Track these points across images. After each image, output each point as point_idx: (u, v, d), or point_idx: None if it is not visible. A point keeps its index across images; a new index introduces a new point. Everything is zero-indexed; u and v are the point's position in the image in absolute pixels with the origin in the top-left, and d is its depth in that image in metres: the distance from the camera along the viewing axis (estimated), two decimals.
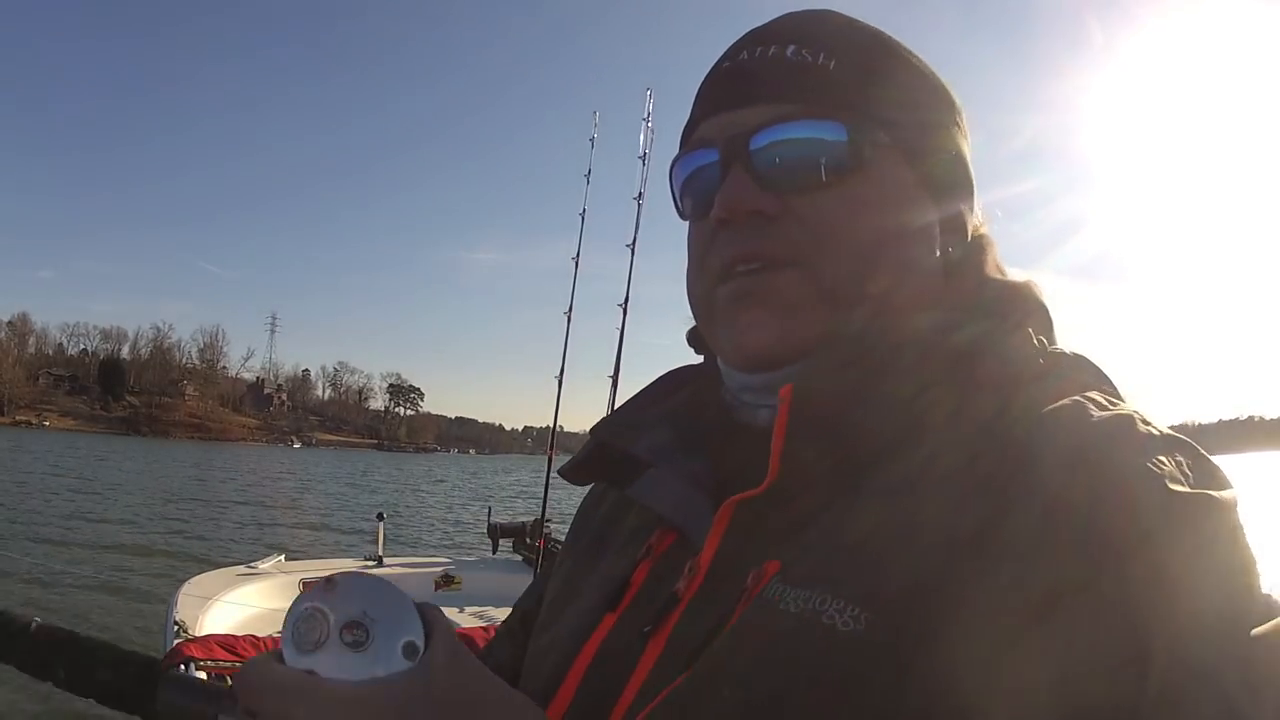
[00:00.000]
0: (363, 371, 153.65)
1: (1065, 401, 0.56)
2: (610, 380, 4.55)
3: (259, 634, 3.38)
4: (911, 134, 0.65)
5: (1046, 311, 0.66)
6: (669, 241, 0.86)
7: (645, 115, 4.57)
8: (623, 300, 4.68)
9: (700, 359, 0.77)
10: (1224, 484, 0.52)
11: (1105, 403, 0.57)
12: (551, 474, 4.73)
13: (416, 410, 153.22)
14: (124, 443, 77.18)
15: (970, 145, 0.71)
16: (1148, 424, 0.55)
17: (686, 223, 0.70)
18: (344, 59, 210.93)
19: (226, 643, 3.26)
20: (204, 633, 3.44)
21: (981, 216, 0.72)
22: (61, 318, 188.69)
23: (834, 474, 0.57)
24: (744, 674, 0.52)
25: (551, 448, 4.83)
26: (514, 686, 0.55)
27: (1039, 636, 0.46)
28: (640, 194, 4.98)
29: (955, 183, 0.68)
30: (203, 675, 2.97)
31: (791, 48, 0.64)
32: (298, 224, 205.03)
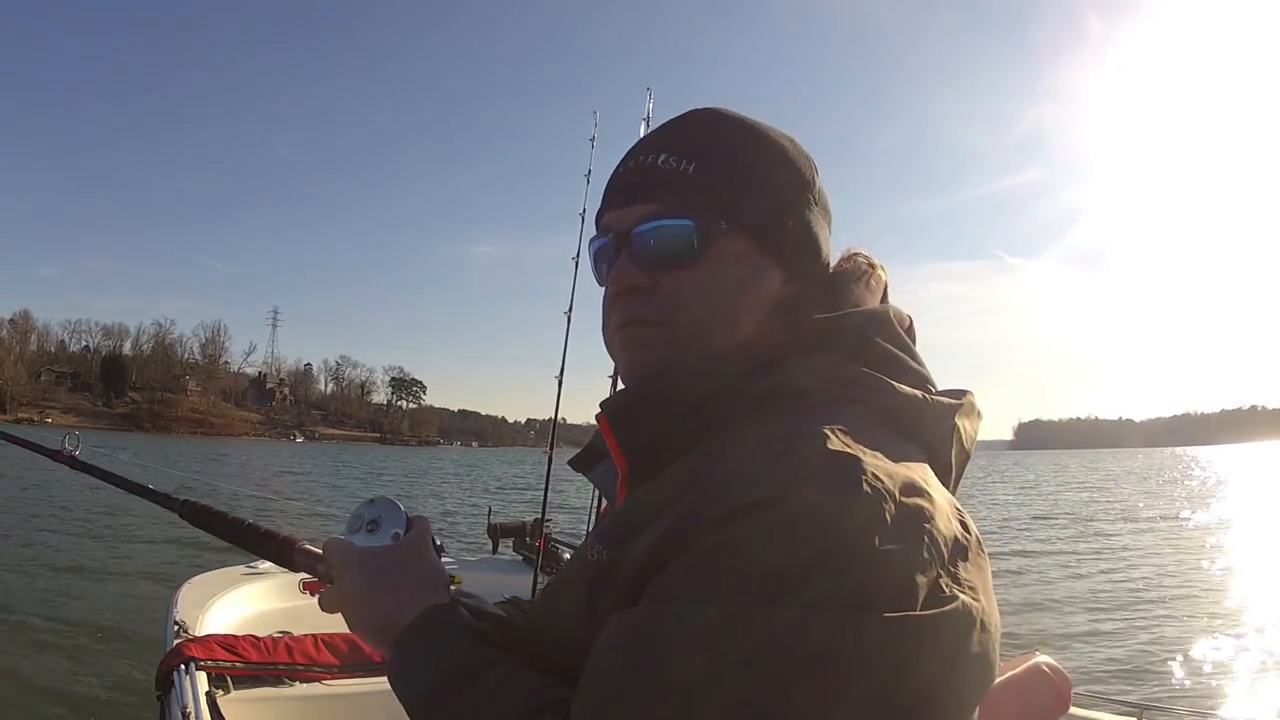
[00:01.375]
0: (365, 365, 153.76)
1: (773, 419, 0.76)
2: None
3: (259, 634, 3.36)
4: (754, 217, 0.86)
5: (859, 334, 0.83)
6: None
7: (645, 115, 4.53)
8: None
9: None
10: (846, 491, 0.66)
11: (820, 420, 0.73)
12: (552, 472, 4.71)
13: (419, 403, 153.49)
14: (126, 439, 77.11)
15: (824, 205, 0.91)
16: (819, 440, 0.71)
17: None
18: (345, 52, 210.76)
19: (227, 643, 3.24)
20: (204, 633, 3.41)
21: (866, 249, 0.93)
22: (63, 315, 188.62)
23: (657, 466, 0.80)
24: (556, 581, 0.87)
25: (552, 447, 4.81)
26: None
27: (659, 577, 0.69)
28: None
29: (797, 245, 0.88)
30: (204, 676, 2.97)
31: (664, 156, 0.87)
32: (299, 218, 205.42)
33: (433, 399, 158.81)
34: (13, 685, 6.32)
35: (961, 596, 0.67)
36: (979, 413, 0.87)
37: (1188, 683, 7.46)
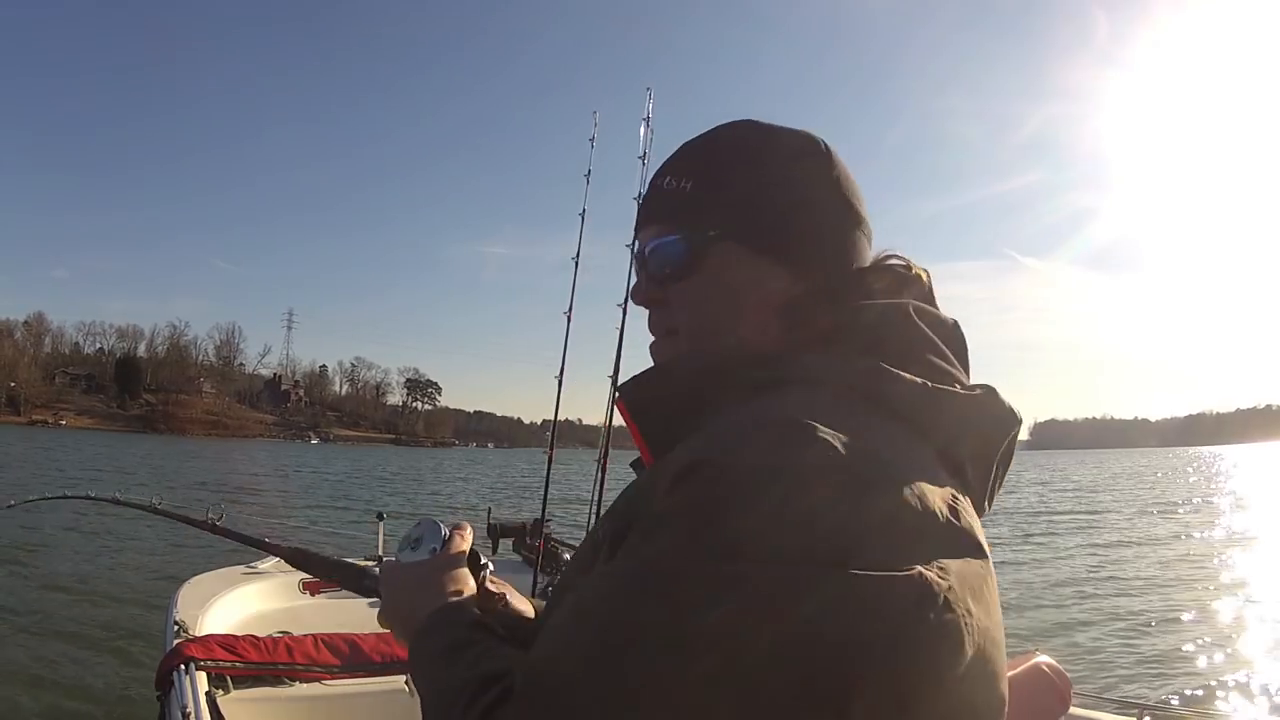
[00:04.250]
0: (380, 366, 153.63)
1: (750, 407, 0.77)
2: (610, 380, 4.50)
3: (259, 634, 3.36)
4: (747, 224, 0.89)
5: (870, 329, 0.84)
6: None
7: (645, 115, 4.53)
8: (622, 300, 4.53)
9: None
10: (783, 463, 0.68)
11: (794, 400, 0.76)
12: (551, 472, 4.71)
13: (434, 405, 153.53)
14: (140, 441, 77.60)
15: (842, 205, 0.92)
16: (774, 411, 0.74)
17: None
18: (355, 56, 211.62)
19: (226, 643, 3.25)
20: (204, 633, 3.42)
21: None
22: (77, 317, 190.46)
23: (665, 449, 0.81)
24: (568, 566, 1.00)
25: (552, 447, 4.81)
26: None
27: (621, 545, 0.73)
28: (640, 194, 4.90)
29: (802, 247, 0.90)
30: (204, 676, 2.97)
31: (669, 179, 0.94)
32: (312, 220, 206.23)
33: (448, 400, 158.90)
34: (12, 686, 6.35)
35: (923, 572, 0.67)
36: (1005, 408, 0.87)
37: (1189, 682, 7.40)
